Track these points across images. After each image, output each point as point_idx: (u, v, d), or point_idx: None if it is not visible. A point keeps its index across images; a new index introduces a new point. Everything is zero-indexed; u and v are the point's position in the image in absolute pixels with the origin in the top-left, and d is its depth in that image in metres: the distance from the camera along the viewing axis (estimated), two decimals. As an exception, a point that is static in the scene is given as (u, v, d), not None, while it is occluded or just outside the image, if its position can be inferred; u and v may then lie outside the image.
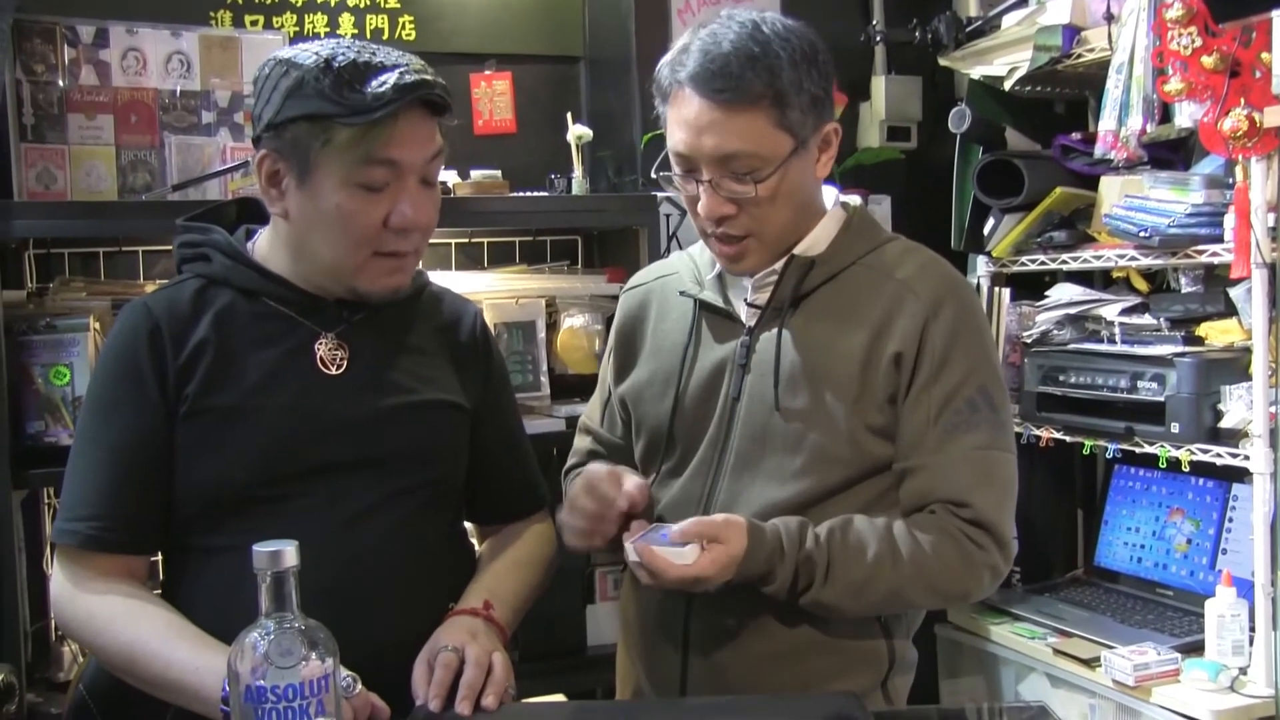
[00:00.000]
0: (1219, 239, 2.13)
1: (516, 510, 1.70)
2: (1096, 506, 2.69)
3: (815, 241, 1.49)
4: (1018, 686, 2.35)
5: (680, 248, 2.19)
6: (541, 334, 2.43)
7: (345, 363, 1.53)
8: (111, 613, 1.43)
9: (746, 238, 1.45)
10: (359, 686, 1.33)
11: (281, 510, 1.48)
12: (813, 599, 1.39)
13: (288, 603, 1.05)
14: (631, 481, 1.42)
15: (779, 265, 1.48)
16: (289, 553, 1.05)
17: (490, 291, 2.46)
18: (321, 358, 1.52)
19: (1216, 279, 2.27)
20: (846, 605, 1.41)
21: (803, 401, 1.45)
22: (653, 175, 1.53)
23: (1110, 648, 2.15)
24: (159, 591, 1.54)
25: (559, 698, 2.73)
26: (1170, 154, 2.37)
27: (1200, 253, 2.18)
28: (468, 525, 1.75)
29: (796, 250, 1.48)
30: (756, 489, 1.46)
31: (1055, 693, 2.24)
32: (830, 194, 1.55)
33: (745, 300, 1.51)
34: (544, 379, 2.43)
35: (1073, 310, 2.45)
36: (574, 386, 2.51)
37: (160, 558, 1.57)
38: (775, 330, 1.48)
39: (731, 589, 1.38)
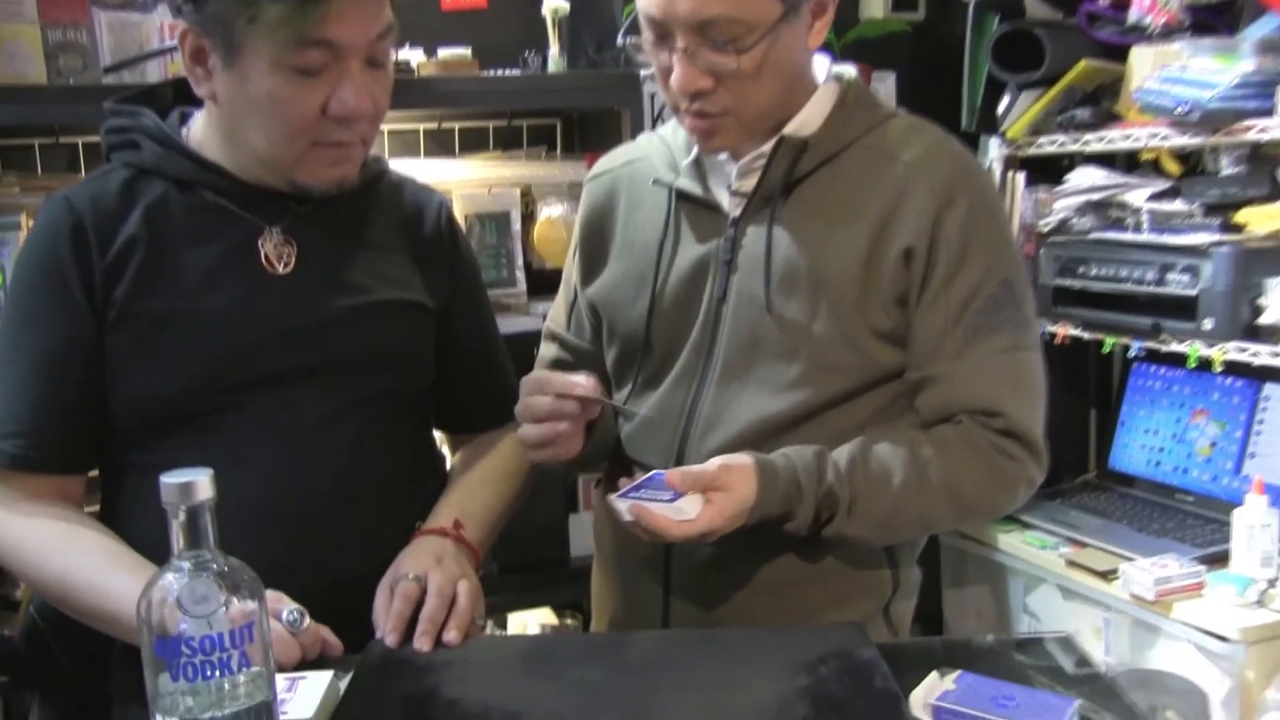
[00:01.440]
0: (1269, 112, 1.94)
1: (490, 418, 1.55)
2: (1112, 407, 2.55)
3: (806, 120, 1.31)
4: (1026, 598, 2.24)
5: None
6: (517, 225, 2.25)
7: (293, 260, 1.38)
8: (42, 539, 1.31)
9: (723, 115, 1.27)
10: (307, 621, 1.20)
11: (225, 425, 1.34)
12: (836, 532, 1.25)
13: (203, 539, 0.90)
14: (581, 376, 1.28)
15: (767, 147, 1.30)
16: (202, 483, 0.89)
17: (461, 180, 2.28)
18: (266, 255, 1.37)
19: (1263, 159, 2.09)
20: (873, 537, 1.29)
21: (798, 302, 1.28)
22: (620, 41, 1.34)
23: (1128, 559, 2.03)
24: (96, 512, 1.41)
25: (542, 612, 2.64)
26: (1213, 18, 2.16)
27: (1247, 129, 1.99)
28: (438, 435, 1.61)
29: (786, 130, 1.30)
30: (746, 400, 1.30)
31: (1067, 605, 2.12)
32: (822, 65, 1.35)
33: (729, 188, 1.34)
34: (520, 274, 2.25)
35: (1095, 196, 2.27)
36: (553, 282, 2.28)
37: (97, 477, 1.44)
38: (765, 222, 1.30)
39: None
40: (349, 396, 1.38)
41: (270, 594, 1.20)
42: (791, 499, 1.22)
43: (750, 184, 1.32)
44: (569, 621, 2.64)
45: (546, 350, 1.55)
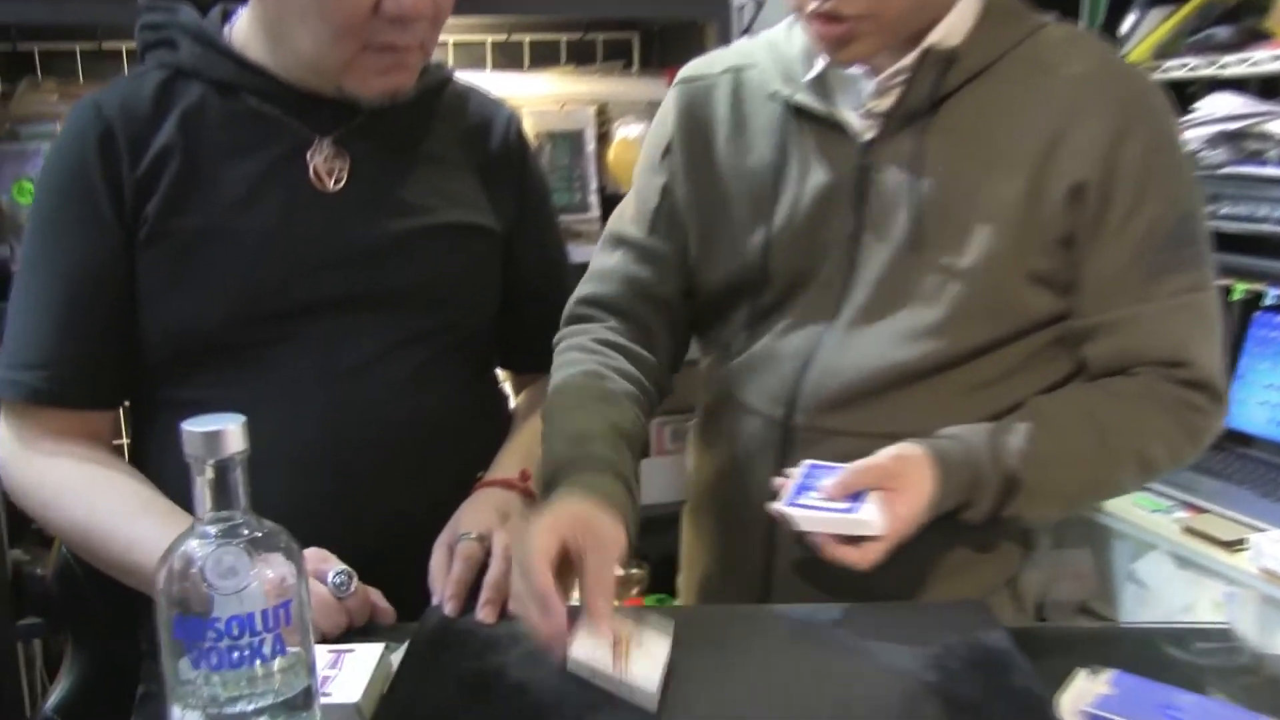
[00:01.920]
0: None
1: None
2: (1230, 359, 2.34)
3: (951, 29, 1.12)
4: (1133, 564, 2.06)
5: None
6: (591, 146, 2.07)
7: (345, 176, 1.24)
8: (64, 480, 1.19)
9: (861, 18, 1.08)
10: (355, 584, 1.06)
11: (265, 359, 1.21)
12: (1014, 515, 1.11)
13: (234, 499, 0.75)
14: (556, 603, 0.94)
15: (909, 60, 1.11)
16: (232, 433, 0.75)
17: (531, 96, 2.12)
18: (315, 169, 1.22)
19: None
20: (1054, 515, 1.17)
21: (946, 241, 1.11)
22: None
23: (1257, 528, 1.84)
24: (125, 452, 1.28)
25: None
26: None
27: None
28: (501, 375, 1.46)
29: (930, 39, 1.11)
30: (875, 346, 1.13)
31: (1181, 575, 1.94)
32: None
33: (857, 108, 1.15)
34: (593, 199, 2.08)
35: (1230, 126, 2.04)
36: (629, 207, 2.15)
37: (126, 413, 1.31)
38: (905, 148, 1.12)
39: None
40: (404, 330, 1.24)
41: (313, 553, 1.07)
42: (970, 489, 1.07)
43: (887, 103, 1.13)
44: (635, 571, 2.51)
45: (609, 260, 1.29)
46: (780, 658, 0.96)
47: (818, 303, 1.17)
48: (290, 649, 0.75)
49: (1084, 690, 0.91)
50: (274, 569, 0.75)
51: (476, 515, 1.16)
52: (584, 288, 1.30)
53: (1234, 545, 1.85)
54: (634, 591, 2.48)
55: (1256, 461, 2.16)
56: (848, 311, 1.15)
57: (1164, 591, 1.96)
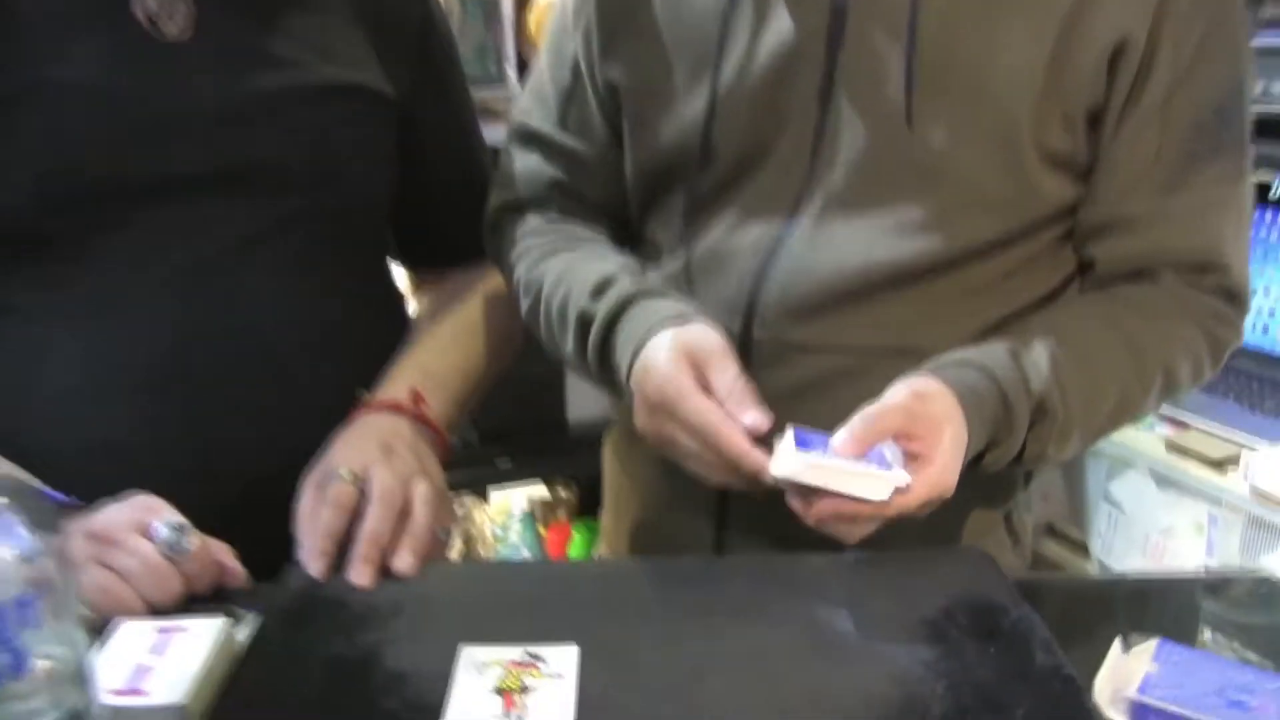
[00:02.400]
0: None
1: (467, 249, 1.16)
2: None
3: None
4: (1108, 484, 1.88)
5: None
6: (508, 9, 1.79)
7: (190, 22, 0.97)
8: None
9: None
10: (193, 538, 0.83)
11: (93, 252, 0.97)
12: (1037, 456, 0.89)
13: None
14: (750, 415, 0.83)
15: None
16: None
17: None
18: (149, 11, 0.96)
19: None
20: (1077, 453, 0.97)
21: (947, 111, 0.87)
22: None
23: (1246, 446, 1.67)
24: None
25: (532, 488, 2.29)
26: None
27: None
28: (397, 273, 1.22)
29: None
30: (855, 241, 0.90)
31: (1162, 497, 1.77)
32: None
33: None
34: (510, 71, 1.82)
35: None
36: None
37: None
38: None
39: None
40: (271, 215, 0.99)
41: (141, 501, 0.84)
42: (999, 425, 0.85)
43: None
44: (563, 494, 2.30)
45: (526, 162, 1.06)
46: (739, 631, 0.75)
47: (777, 187, 0.93)
48: (41, 660, 0.52)
49: (1123, 668, 0.71)
50: (16, 544, 0.52)
51: (353, 448, 0.93)
52: (500, 194, 1.08)
53: (1224, 464, 1.68)
54: (561, 516, 2.28)
55: (1241, 374, 1.98)
56: (818, 198, 0.92)
57: (1141, 513, 1.80)
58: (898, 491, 0.78)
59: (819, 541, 0.83)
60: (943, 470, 0.80)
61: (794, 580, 0.81)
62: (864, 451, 0.78)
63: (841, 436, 0.79)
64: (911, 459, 0.80)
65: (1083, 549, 1.94)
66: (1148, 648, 0.73)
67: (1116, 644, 0.73)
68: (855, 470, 0.77)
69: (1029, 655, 0.72)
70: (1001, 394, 0.84)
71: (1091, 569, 1.88)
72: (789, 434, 0.81)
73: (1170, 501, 1.75)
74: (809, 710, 0.67)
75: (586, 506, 2.28)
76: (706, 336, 0.85)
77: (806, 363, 0.92)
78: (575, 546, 2.15)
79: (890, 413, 0.80)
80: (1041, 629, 0.74)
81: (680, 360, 0.84)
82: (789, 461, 0.78)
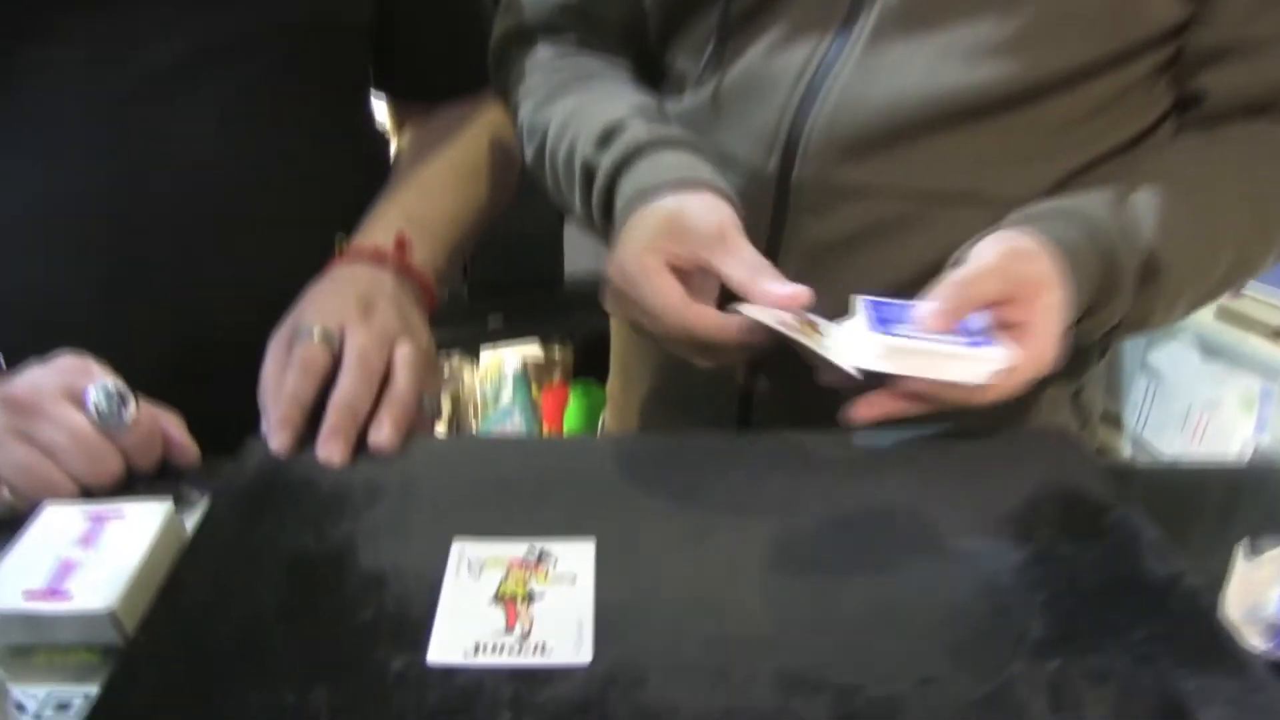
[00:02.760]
0: None
1: (459, 81, 1.00)
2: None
3: None
4: (1147, 353, 1.75)
5: None
6: None
7: None
8: None
9: None
10: (133, 407, 0.70)
11: (18, 67, 0.81)
12: (1140, 325, 0.76)
13: None
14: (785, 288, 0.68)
15: None
16: None
17: None
18: None
19: None
20: (1173, 321, 0.81)
21: None
22: None
23: (1307, 313, 1.54)
24: None
25: (526, 346, 2.16)
26: None
27: None
28: (378, 105, 1.06)
29: None
30: (916, 68, 0.74)
31: (1207, 368, 1.64)
32: None
33: None
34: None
35: None
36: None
37: None
38: None
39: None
40: (227, 28, 0.83)
41: (70, 362, 0.70)
42: (1103, 288, 0.72)
43: None
44: (559, 354, 2.17)
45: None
46: (782, 525, 0.62)
47: (821, 8, 0.78)
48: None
49: (1255, 583, 0.59)
50: None
51: (326, 303, 0.79)
52: (506, 20, 0.92)
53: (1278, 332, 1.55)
54: (556, 377, 2.16)
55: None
56: (874, 12, 0.76)
57: (1183, 386, 1.67)
58: (998, 373, 0.65)
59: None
60: (1046, 344, 0.66)
61: (846, 464, 0.68)
62: (954, 326, 0.65)
63: (928, 309, 0.65)
64: (1007, 330, 0.66)
65: (1114, 423, 1.82)
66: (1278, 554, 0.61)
67: (1239, 550, 0.61)
68: (948, 351, 0.64)
69: (1139, 562, 0.59)
70: (1106, 251, 0.70)
71: (1124, 446, 1.77)
72: (860, 307, 0.68)
73: (1217, 373, 1.62)
74: (873, 626, 0.54)
75: (584, 368, 2.16)
76: (707, 214, 0.71)
77: (856, 209, 0.78)
78: (572, 411, 2.03)
79: (985, 277, 0.66)
80: (1150, 529, 0.62)
81: (660, 237, 0.70)
82: (867, 346, 0.65)
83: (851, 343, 0.66)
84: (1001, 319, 0.67)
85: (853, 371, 0.65)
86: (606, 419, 1.08)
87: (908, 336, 0.64)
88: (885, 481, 0.66)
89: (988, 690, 0.50)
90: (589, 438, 0.72)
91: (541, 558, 0.60)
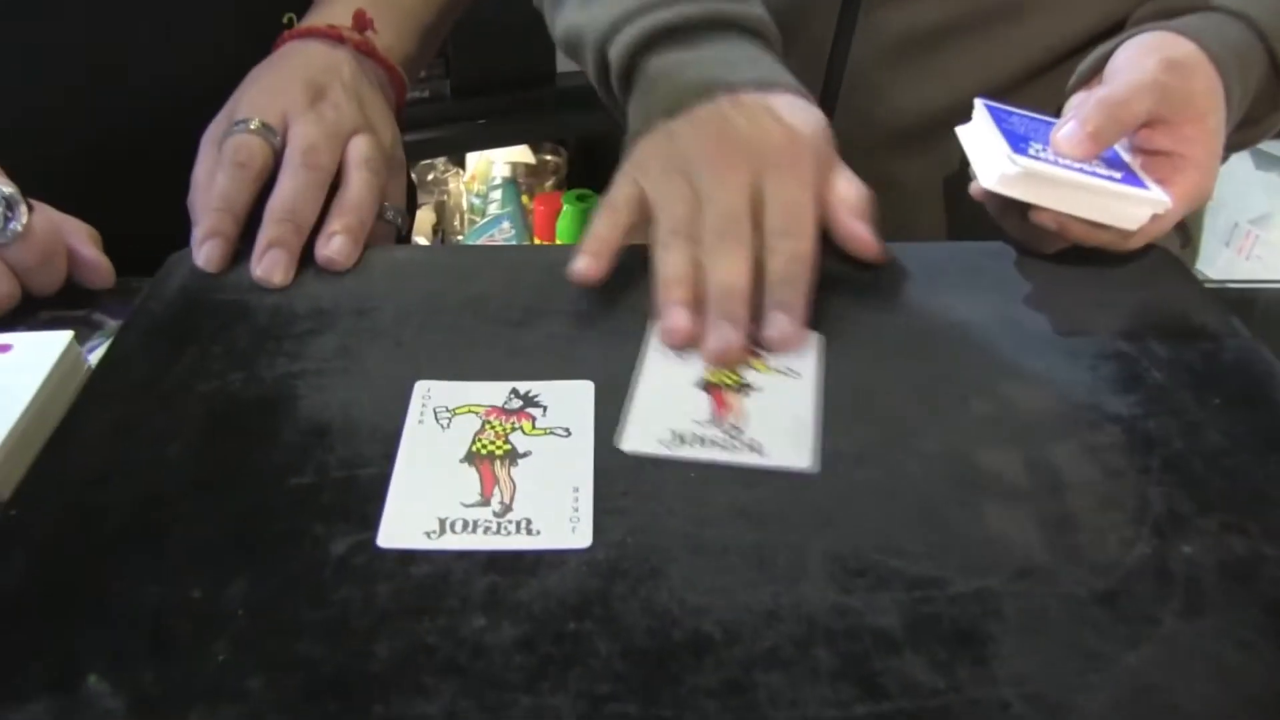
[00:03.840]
0: None
1: None
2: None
3: None
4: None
5: None
6: None
7: None
8: None
9: None
10: (25, 216, 0.57)
11: None
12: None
13: None
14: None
15: None
16: None
17: None
18: None
19: None
20: None
21: None
22: None
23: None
24: None
25: (515, 151, 2.00)
26: None
27: None
28: None
29: None
30: None
31: (1260, 176, 1.50)
32: None
33: None
34: None
35: None
36: None
37: None
38: None
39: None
40: None
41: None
42: (1263, 98, 0.58)
43: None
44: (551, 158, 2.02)
45: None
46: (824, 357, 0.50)
47: None
48: None
49: None
50: None
51: (270, 89, 0.64)
52: None
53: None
54: (548, 185, 2.01)
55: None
56: None
57: (1230, 196, 1.53)
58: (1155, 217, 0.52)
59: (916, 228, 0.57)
60: (1204, 180, 0.54)
61: (909, 280, 0.55)
62: (1101, 147, 0.52)
63: (1073, 133, 0.51)
64: (1154, 157, 0.53)
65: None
66: None
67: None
68: (1103, 186, 0.52)
69: (1274, 412, 0.47)
70: (1272, 56, 0.56)
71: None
72: (981, 113, 0.55)
73: (1271, 183, 1.48)
74: (951, 497, 0.43)
75: (579, 174, 2.01)
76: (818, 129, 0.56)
77: None
78: (565, 221, 1.89)
79: (1139, 95, 0.52)
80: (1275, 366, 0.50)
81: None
82: (1004, 166, 0.52)
83: (986, 157, 0.53)
84: (1150, 144, 0.53)
85: (988, 187, 0.53)
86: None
87: (1049, 162, 0.52)
88: (959, 304, 0.54)
89: (1102, 587, 0.39)
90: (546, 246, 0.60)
91: (527, 405, 0.48)
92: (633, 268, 0.54)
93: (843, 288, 0.55)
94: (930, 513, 0.42)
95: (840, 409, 0.47)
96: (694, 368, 0.49)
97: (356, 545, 0.40)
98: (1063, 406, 0.47)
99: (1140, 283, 0.56)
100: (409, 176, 0.95)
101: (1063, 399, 0.48)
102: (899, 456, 0.44)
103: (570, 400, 0.48)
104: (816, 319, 0.51)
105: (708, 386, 0.48)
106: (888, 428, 0.46)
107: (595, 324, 0.52)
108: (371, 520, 0.41)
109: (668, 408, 0.47)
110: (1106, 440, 0.45)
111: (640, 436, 0.45)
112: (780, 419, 0.46)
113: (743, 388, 0.48)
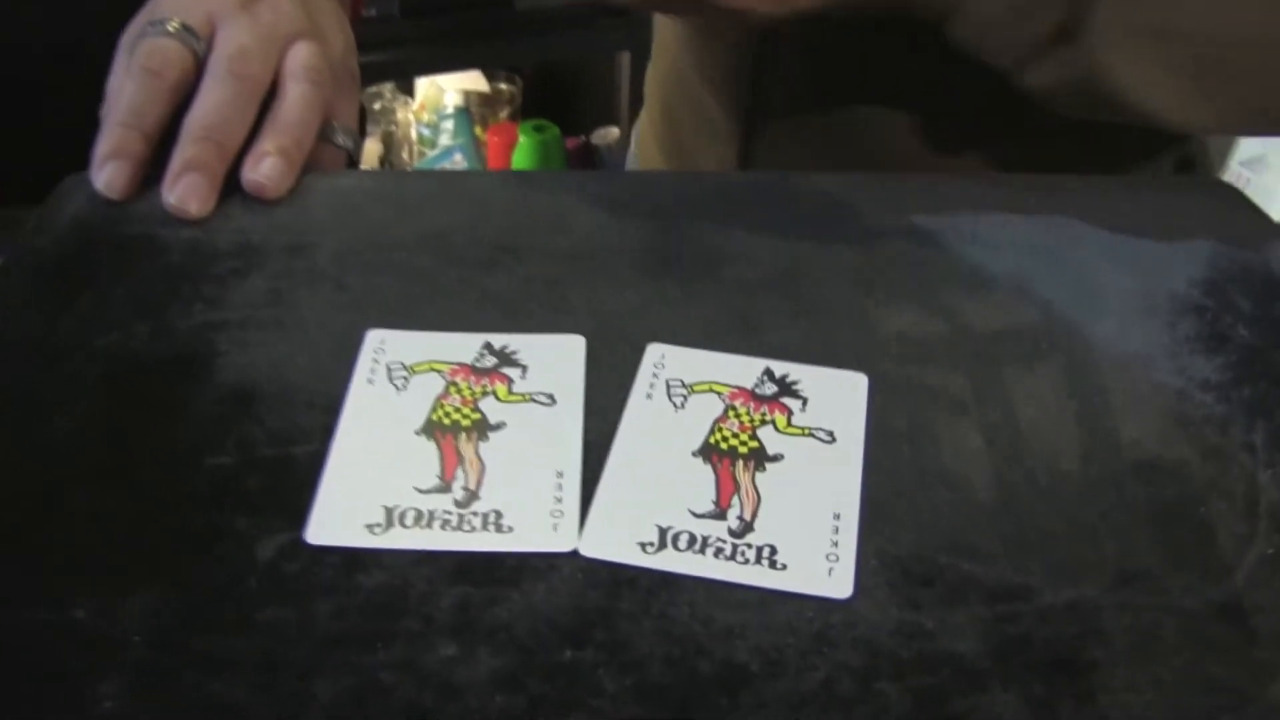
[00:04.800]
0: None
1: None
2: None
3: None
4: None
5: None
6: None
7: None
8: None
9: None
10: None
11: None
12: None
13: None
14: None
15: None
16: None
17: None
18: None
19: None
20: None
21: None
22: None
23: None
24: None
25: (468, 77, 1.89)
26: None
27: None
28: None
29: None
30: None
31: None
32: None
33: None
34: None
35: None
36: None
37: None
38: None
39: None
40: None
41: None
42: None
43: None
44: (505, 86, 1.91)
45: None
46: (848, 313, 0.42)
47: None
48: None
49: None
50: None
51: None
52: None
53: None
54: (503, 115, 1.90)
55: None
56: None
57: (1225, 139, 1.46)
58: None
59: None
60: None
61: (932, 218, 0.47)
62: None
63: None
64: None
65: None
66: None
67: None
68: None
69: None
70: None
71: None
72: None
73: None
74: (1024, 485, 0.35)
75: (535, 103, 1.90)
76: None
77: None
78: (521, 153, 1.78)
79: None
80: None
81: None
82: None
83: None
84: None
85: None
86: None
87: None
88: (1007, 249, 0.46)
89: (1220, 598, 0.31)
90: (567, 173, 0.51)
91: (504, 363, 0.39)
92: (631, 196, 0.46)
93: (876, 231, 0.46)
94: (1001, 501, 0.34)
95: (888, 378, 0.39)
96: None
97: (289, 547, 0.32)
98: (1142, 372, 0.40)
99: (1208, 222, 0.48)
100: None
101: (1140, 363, 0.40)
102: (959, 434, 0.37)
103: (556, 359, 0.39)
104: (840, 270, 0.43)
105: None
106: (943, 402, 0.38)
107: (586, 264, 0.44)
108: (307, 513, 0.33)
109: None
110: (1198, 413, 0.38)
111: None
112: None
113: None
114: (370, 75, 1.66)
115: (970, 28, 0.51)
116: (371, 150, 1.85)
